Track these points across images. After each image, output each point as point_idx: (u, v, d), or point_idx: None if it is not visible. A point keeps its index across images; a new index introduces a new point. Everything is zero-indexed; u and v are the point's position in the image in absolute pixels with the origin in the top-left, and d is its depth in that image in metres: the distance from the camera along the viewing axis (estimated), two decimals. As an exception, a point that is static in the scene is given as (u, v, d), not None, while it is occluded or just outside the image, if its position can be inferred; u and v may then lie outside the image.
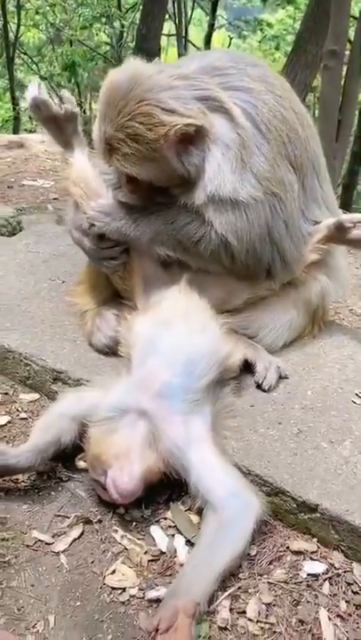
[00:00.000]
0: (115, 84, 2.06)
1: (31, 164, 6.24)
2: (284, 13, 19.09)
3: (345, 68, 7.33)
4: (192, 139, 2.04)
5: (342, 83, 7.33)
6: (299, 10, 16.47)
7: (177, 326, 2.12)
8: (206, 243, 2.17)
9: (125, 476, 1.85)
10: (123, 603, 1.74)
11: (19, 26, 16.30)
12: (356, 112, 8.40)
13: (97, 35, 18.67)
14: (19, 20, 16.22)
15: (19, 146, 6.80)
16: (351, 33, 7.97)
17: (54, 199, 5.09)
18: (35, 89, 2.33)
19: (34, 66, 19.15)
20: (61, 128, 2.41)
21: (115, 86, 2.06)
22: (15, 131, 14.61)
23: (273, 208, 2.17)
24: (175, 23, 16.60)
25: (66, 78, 16.72)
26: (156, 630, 1.59)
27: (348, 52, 7.59)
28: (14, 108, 15.60)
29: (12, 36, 15.97)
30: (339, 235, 2.36)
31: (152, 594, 1.75)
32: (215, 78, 2.14)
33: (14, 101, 15.90)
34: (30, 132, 12.45)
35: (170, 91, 2.03)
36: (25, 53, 18.74)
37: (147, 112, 2.00)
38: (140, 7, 12.78)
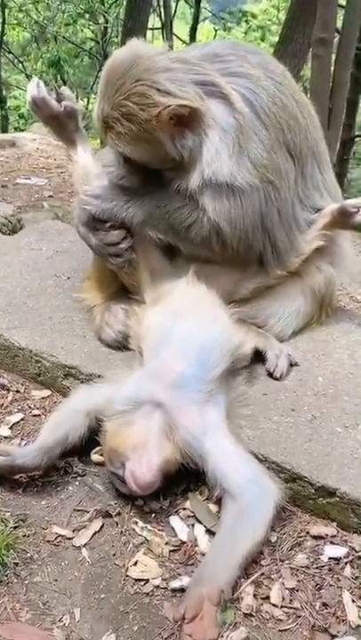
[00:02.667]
0: (116, 62, 2.07)
1: (24, 162, 6.23)
2: (267, 4, 19.08)
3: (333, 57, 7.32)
4: (187, 122, 2.03)
5: (332, 71, 7.34)
6: (283, -1, 16.46)
7: (188, 317, 2.13)
8: (198, 228, 2.17)
9: (144, 468, 1.86)
10: (147, 594, 1.75)
11: (3, 25, 16.20)
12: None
13: (81, 31, 18.59)
14: (3, 18, 16.11)
15: (11, 145, 6.78)
16: (339, 21, 7.96)
17: (49, 197, 5.09)
18: (34, 88, 2.32)
19: (19, 65, 19.04)
20: (63, 125, 2.40)
21: (115, 65, 2.06)
22: (4, 130, 14.56)
23: (267, 196, 2.17)
24: (160, 17, 16.55)
25: (52, 76, 16.65)
26: (183, 619, 1.60)
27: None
28: (2, 108, 15.53)
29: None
30: (343, 220, 2.36)
31: (175, 584, 1.76)
32: (215, 64, 2.14)
33: (1, 101, 15.83)
34: (20, 130, 12.42)
35: (167, 72, 2.03)
36: (10, 52, 18.63)
37: (141, 92, 2.00)
38: (125, 1, 12.73)
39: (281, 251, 2.30)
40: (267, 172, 2.13)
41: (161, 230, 2.22)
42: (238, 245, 2.19)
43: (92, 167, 2.35)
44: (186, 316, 2.14)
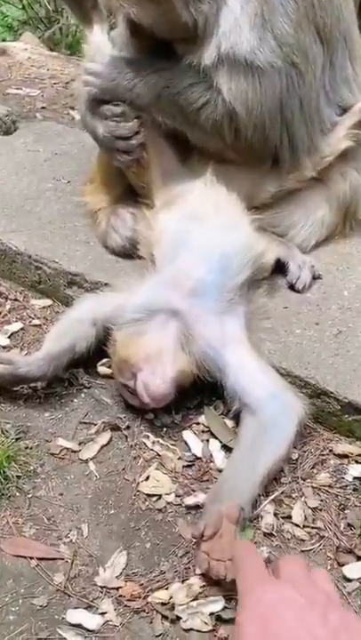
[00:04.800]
0: None
1: (15, 72, 5.80)
2: None
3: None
4: None
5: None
6: None
7: (207, 221, 1.93)
8: (210, 111, 1.92)
9: (158, 379, 1.71)
10: (159, 510, 1.63)
11: None
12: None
13: None
14: None
15: (1, 53, 6.33)
16: None
17: (42, 108, 4.75)
18: None
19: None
20: (79, 1, 2.11)
21: None
22: (-10, 43, 13.73)
23: (290, 81, 1.90)
24: None
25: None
26: (201, 537, 1.49)
27: None
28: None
29: None
30: None
31: (190, 500, 1.64)
32: None
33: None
34: (5, 41, 11.71)
35: None
36: None
37: None
38: None
39: (298, 148, 2.04)
40: (291, 52, 1.86)
41: (168, 113, 1.97)
42: (253, 135, 1.94)
43: (105, 49, 2.07)
44: (205, 220, 1.94)
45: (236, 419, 1.80)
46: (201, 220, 1.93)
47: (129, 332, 1.81)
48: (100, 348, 1.92)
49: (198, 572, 1.47)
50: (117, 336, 1.83)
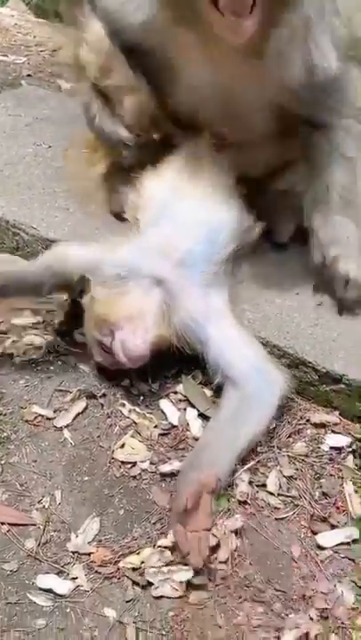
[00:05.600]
0: None
1: (1, 38, 5.68)
2: None
3: None
4: None
5: None
6: None
7: (198, 191, 1.89)
8: None
9: (138, 339, 1.67)
10: (134, 477, 1.62)
11: None
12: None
13: None
14: None
15: (-14, 19, 6.18)
16: None
17: (28, 76, 4.65)
18: None
19: None
20: None
21: None
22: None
23: None
24: None
25: None
26: (185, 510, 1.45)
27: None
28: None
29: None
30: None
31: (165, 468, 1.63)
32: None
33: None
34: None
35: None
36: None
37: None
38: None
39: None
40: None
41: None
42: None
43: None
44: (196, 190, 1.90)
45: (215, 388, 1.78)
46: (191, 189, 1.89)
47: (110, 290, 1.77)
48: (77, 315, 1.89)
49: (171, 538, 1.45)
50: (98, 292, 1.77)
